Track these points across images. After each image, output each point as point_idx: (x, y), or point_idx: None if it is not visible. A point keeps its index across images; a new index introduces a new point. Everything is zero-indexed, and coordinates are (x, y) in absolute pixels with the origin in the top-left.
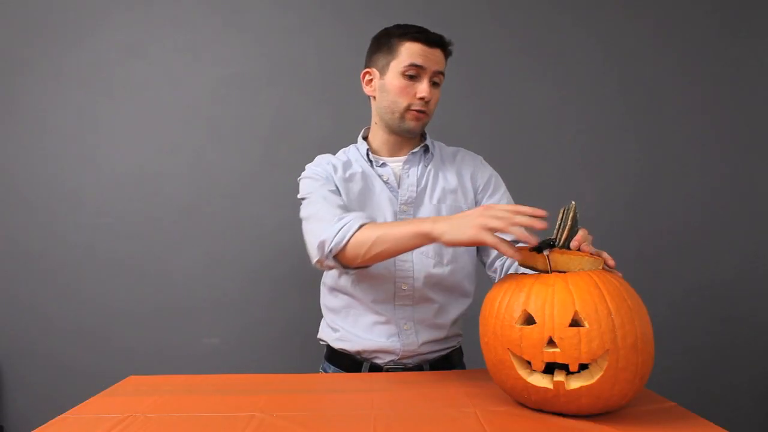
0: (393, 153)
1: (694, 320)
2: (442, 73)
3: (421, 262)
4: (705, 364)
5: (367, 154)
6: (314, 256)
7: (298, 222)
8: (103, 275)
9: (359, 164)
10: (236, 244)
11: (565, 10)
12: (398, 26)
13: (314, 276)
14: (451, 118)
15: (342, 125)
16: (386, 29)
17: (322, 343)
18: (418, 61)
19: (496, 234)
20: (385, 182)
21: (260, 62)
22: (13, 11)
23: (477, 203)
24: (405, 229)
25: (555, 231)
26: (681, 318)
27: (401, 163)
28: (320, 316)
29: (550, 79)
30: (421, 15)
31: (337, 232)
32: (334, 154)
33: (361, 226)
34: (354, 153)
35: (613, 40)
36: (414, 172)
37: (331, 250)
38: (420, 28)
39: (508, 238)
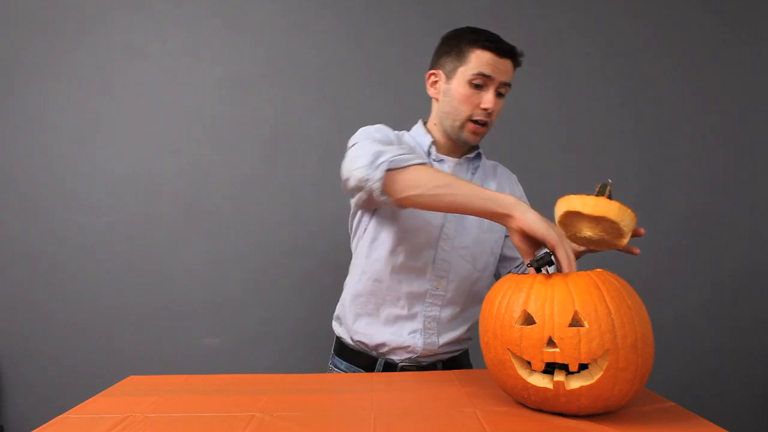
0: (450, 152)
1: (694, 320)
2: (508, 85)
3: (458, 264)
4: (705, 364)
5: (429, 148)
6: (359, 169)
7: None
8: (103, 275)
9: (418, 153)
10: (236, 244)
11: (565, 10)
12: (470, 30)
13: (314, 276)
14: None
15: (342, 125)
16: (457, 31)
17: (344, 341)
18: (487, 71)
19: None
20: None
21: (260, 62)
22: (13, 11)
23: None
24: (480, 190)
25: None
26: (681, 318)
27: (454, 164)
28: (320, 316)
29: (550, 79)
30: (421, 15)
31: (401, 153)
32: (334, 154)
33: (423, 163)
34: (411, 141)
35: (613, 40)
36: (464, 176)
37: (388, 163)
38: (492, 36)
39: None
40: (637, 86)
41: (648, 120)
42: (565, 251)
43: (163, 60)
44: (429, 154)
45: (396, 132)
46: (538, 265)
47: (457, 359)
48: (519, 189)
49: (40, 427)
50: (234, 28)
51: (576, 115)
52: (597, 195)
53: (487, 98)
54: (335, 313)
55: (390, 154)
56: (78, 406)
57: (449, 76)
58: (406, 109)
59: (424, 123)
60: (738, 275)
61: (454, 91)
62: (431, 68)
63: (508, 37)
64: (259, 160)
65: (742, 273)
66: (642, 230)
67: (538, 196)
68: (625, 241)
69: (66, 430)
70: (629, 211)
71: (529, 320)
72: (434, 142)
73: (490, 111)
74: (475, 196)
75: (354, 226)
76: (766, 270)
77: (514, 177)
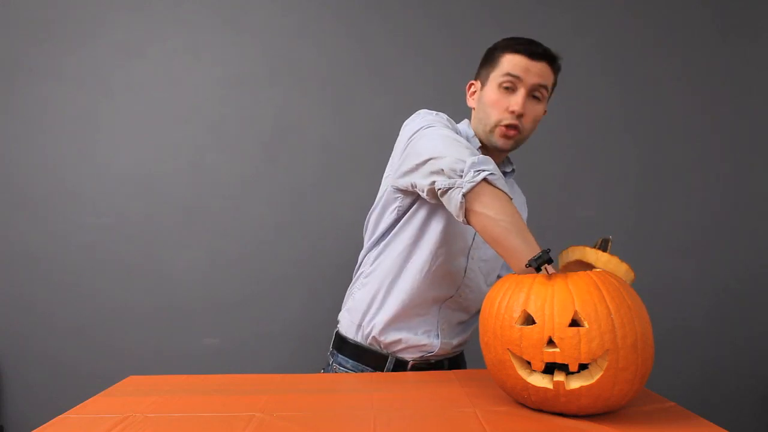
0: None
1: (695, 320)
2: (545, 87)
3: (476, 277)
4: (705, 364)
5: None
6: (459, 161)
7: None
8: (103, 275)
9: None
10: (236, 244)
11: (565, 10)
12: (507, 39)
13: (315, 276)
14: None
15: (342, 125)
16: (497, 42)
17: (349, 339)
18: (515, 72)
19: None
20: None
21: (260, 63)
22: (13, 11)
23: None
24: (526, 246)
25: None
26: (681, 318)
27: None
28: (320, 316)
29: None
30: (421, 15)
31: (495, 170)
32: (334, 154)
33: (508, 195)
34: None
35: (612, 40)
36: None
37: (489, 173)
38: (528, 40)
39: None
40: (638, 86)
41: (649, 121)
42: None
43: (163, 60)
44: None
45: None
46: (538, 264)
47: (460, 356)
48: (525, 213)
49: (40, 427)
50: (234, 28)
51: (576, 115)
52: (599, 249)
53: (516, 100)
54: (345, 309)
55: (493, 167)
56: (78, 406)
57: (483, 83)
58: (406, 109)
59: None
60: (738, 275)
61: (485, 96)
62: (474, 79)
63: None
64: (259, 160)
65: (741, 273)
66: (632, 275)
67: (539, 196)
68: None
69: (66, 430)
70: (632, 273)
71: (529, 320)
72: (480, 149)
73: (518, 113)
74: (526, 246)
75: (385, 224)
76: (766, 270)
77: (524, 198)
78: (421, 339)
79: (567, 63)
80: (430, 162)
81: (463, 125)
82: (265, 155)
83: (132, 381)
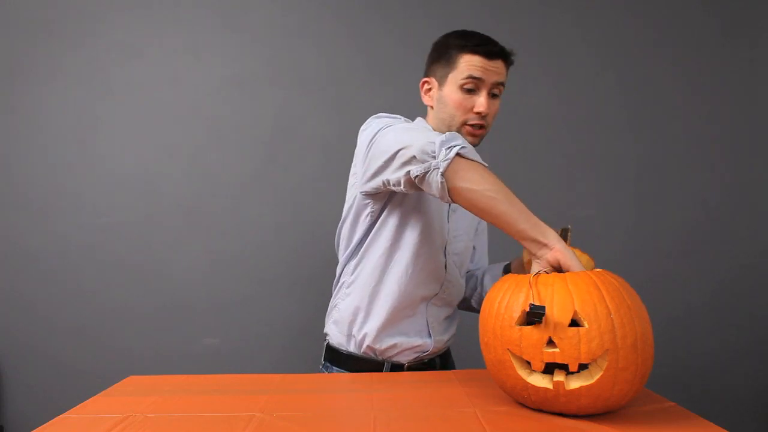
0: None
1: (694, 320)
2: (502, 84)
3: (454, 271)
4: (705, 364)
5: None
6: (426, 143)
7: (299, 222)
8: (103, 275)
9: None
10: (236, 244)
11: (565, 9)
12: (459, 35)
13: (315, 276)
14: None
15: (342, 125)
16: (446, 37)
17: (342, 351)
18: (477, 74)
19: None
20: None
21: (261, 62)
22: (13, 11)
23: (476, 228)
24: (525, 214)
25: None
26: (681, 318)
27: None
28: (320, 316)
29: (550, 79)
30: (420, 15)
31: (467, 145)
32: (334, 154)
33: (488, 167)
34: None
35: (613, 39)
36: None
37: (460, 148)
38: (480, 38)
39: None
40: (637, 86)
41: (649, 121)
42: None
43: (163, 60)
44: None
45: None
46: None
47: (447, 352)
48: None
49: (40, 427)
50: (234, 28)
51: (576, 115)
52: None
53: (480, 102)
54: (330, 321)
55: (463, 141)
56: (78, 406)
57: (441, 83)
58: (405, 109)
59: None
60: (738, 275)
61: (446, 97)
62: (424, 76)
63: (508, 38)
64: (259, 160)
65: (742, 272)
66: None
67: (538, 196)
68: None
69: (66, 430)
70: (592, 261)
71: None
72: None
73: (484, 113)
74: (524, 219)
75: (360, 232)
76: (766, 269)
77: None
78: (415, 340)
79: (567, 63)
80: (399, 153)
81: (419, 123)
82: (265, 155)
83: (132, 381)
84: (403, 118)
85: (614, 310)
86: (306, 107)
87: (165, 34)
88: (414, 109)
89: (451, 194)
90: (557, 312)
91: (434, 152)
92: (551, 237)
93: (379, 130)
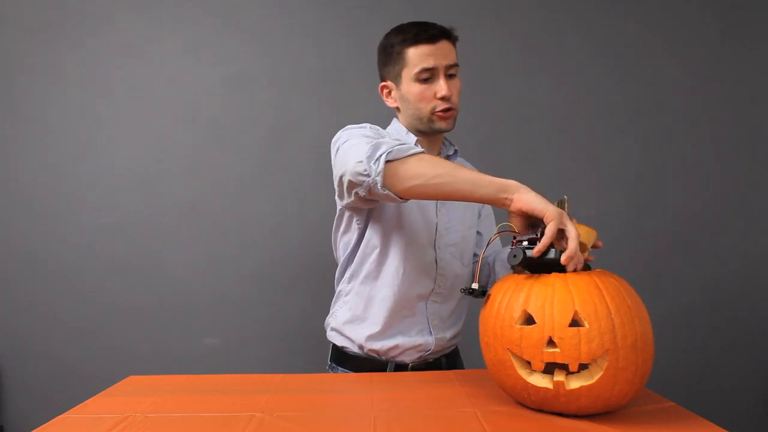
0: (429, 152)
1: (694, 320)
2: (455, 64)
3: (452, 261)
4: (705, 364)
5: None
6: (357, 164)
7: (299, 222)
8: (103, 275)
9: None
10: (236, 244)
11: (565, 10)
12: (397, 32)
13: (315, 276)
14: None
15: (342, 125)
16: (386, 37)
17: (343, 346)
18: (428, 63)
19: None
20: None
21: (260, 62)
22: (13, 11)
23: (479, 214)
24: (480, 176)
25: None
26: (681, 318)
27: None
28: (320, 316)
29: (550, 79)
30: (421, 15)
31: (399, 144)
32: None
33: (423, 153)
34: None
35: (613, 40)
36: None
37: (387, 154)
38: (418, 27)
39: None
40: (637, 86)
41: (649, 121)
42: (556, 227)
43: (163, 60)
44: None
45: (382, 130)
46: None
47: (455, 350)
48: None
49: (40, 427)
50: (234, 28)
51: (575, 115)
52: None
53: (440, 86)
54: (332, 326)
55: (388, 146)
56: (78, 406)
57: (397, 83)
58: None
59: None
60: (738, 275)
61: (407, 93)
62: (380, 81)
63: (508, 38)
64: (259, 159)
65: (741, 272)
66: (600, 243)
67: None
68: (586, 254)
69: (66, 430)
70: (592, 231)
71: (529, 320)
72: (417, 143)
73: (447, 96)
74: (479, 185)
75: (351, 241)
76: (766, 269)
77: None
78: (416, 339)
79: (567, 63)
80: (341, 181)
81: (392, 127)
82: (265, 155)
83: (132, 381)
84: (369, 125)
85: (614, 310)
86: (306, 107)
87: (165, 34)
88: None
89: (401, 196)
90: (557, 312)
91: (365, 171)
92: (511, 188)
93: (337, 149)
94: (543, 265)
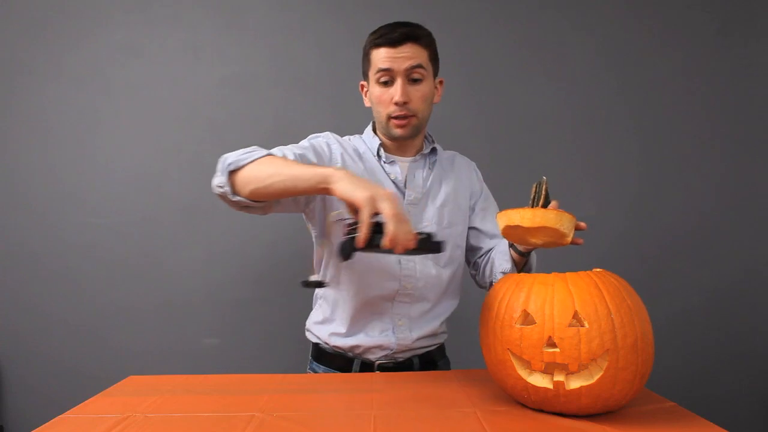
0: (401, 153)
1: (694, 320)
2: (420, 66)
3: (423, 264)
4: (705, 364)
5: (378, 151)
6: (214, 179)
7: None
8: (103, 275)
9: (367, 157)
10: (236, 244)
11: (565, 10)
12: (372, 32)
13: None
14: (449, 118)
15: (342, 125)
16: (368, 36)
17: (317, 343)
18: (384, 65)
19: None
20: (393, 180)
21: (260, 62)
22: (13, 11)
23: (472, 209)
24: (305, 169)
25: (530, 201)
26: (681, 318)
27: (408, 163)
28: None
29: (550, 79)
30: (421, 14)
31: (242, 154)
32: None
33: (267, 155)
34: (362, 145)
35: (613, 40)
36: (420, 174)
37: (229, 165)
38: (385, 29)
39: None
40: (638, 86)
41: (649, 121)
42: (369, 213)
43: (163, 60)
44: (379, 156)
45: (341, 138)
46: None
47: (432, 353)
48: (477, 175)
49: (40, 427)
50: (234, 28)
51: (575, 116)
52: (534, 195)
53: (396, 91)
54: (307, 326)
55: (233, 156)
56: (78, 406)
57: (368, 83)
58: None
59: (374, 129)
60: (738, 275)
61: (371, 95)
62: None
63: (509, 38)
64: None
65: (742, 272)
66: (583, 224)
67: None
68: (569, 239)
69: (66, 430)
70: (566, 214)
71: (529, 320)
72: (382, 145)
73: (401, 102)
74: (300, 177)
75: (319, 249)
76: (766, 269)
77: (473, 164)
78: (377, 340)
79: (567, 63)
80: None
81: (367, 133)
82: None
83: (132, 381)
84: (307, 141)
85: (614, 310)
86: (306, 107)
87: (165, 34)
88: None
89: (254, 199)
90: (557, 312)
91: (219, 183)
92: (326, 177)
93: None
94: (377, 248)
